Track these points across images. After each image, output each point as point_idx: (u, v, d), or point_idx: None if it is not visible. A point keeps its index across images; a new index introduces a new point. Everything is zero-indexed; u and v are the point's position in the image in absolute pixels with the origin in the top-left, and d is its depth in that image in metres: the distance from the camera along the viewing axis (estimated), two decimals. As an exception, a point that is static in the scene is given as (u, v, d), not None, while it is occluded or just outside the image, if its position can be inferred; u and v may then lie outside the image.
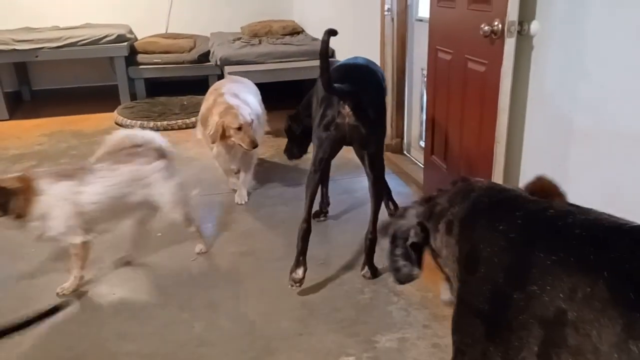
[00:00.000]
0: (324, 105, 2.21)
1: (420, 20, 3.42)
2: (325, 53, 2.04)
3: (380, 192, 2.46)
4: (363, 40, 4.16)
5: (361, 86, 2.25)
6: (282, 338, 1.98)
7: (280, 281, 2.30)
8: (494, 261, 1.07)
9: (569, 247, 0.95)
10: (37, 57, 5.08)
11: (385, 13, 3.62)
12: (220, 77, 4.92)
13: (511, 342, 0.99)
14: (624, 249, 0.89)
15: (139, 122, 4.61)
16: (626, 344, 0.80)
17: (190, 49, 5.52)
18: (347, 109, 2.16)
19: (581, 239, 0.96)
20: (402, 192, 3.25)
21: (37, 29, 5.54)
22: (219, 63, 4.88)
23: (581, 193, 1.94)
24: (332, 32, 2.04)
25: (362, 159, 2.32)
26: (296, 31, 5.81)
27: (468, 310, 1.12)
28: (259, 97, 3.57)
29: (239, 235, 2.82)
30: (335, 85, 2.12)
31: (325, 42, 2.04)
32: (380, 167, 2.35)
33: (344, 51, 4.68)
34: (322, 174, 2.32)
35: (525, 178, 2.24)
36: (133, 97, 5.35)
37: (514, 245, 1.05)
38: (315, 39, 5.37)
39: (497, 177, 2.24)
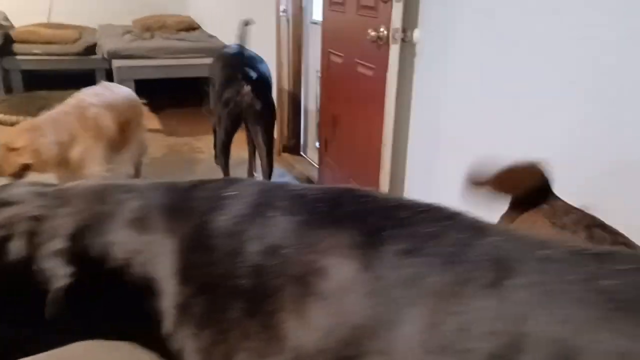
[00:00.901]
0: (224, 85, 2.63)
1: (315, 23, 3.46)
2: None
3: (271, 164, 2.86)
4: (259, 40, 4.12)
5: (258, 71, 2.76)
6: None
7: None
8: None
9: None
10: None
11: (281, 14, 3.63)
12: (109, 70, 4.65)
13: None
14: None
15: (14, 118, 4.22)
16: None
17: (76, 41, 5.16)
18: (246, 89, 2.58)
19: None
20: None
21: None
22: (106, 56, 4.60)
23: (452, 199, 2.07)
24: (248, 22, 2.80)
25: (255, 134, 2.76)
26: (192, 27, 5.65)
27: None
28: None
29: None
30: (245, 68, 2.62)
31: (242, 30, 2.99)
32: (270, 140, 2.80)
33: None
34: (227, 152, 2.76)
35: (410, 180, 2.36)
36: (8, 90, 4.90)
37: None
38: (212, 36, 5.25)
39: (384, 178, 2.33)
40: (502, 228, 0.84)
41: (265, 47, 3.87)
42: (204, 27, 5.72)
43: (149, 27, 5.41)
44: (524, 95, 1.69)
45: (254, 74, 2.67)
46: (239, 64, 2.74)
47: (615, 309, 0.57)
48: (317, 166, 3.29)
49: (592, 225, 1.09)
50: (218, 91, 2.73)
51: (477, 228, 0.71)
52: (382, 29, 2.17)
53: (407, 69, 2.23)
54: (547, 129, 1.61)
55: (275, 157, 3.06)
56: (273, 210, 0.77)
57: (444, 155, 2.09)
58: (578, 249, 0.66)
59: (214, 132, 3.20)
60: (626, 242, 1.04)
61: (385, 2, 2.13)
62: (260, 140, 2.75)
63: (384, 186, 2.35)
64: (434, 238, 0.69)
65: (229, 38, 4.93)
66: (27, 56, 4.92)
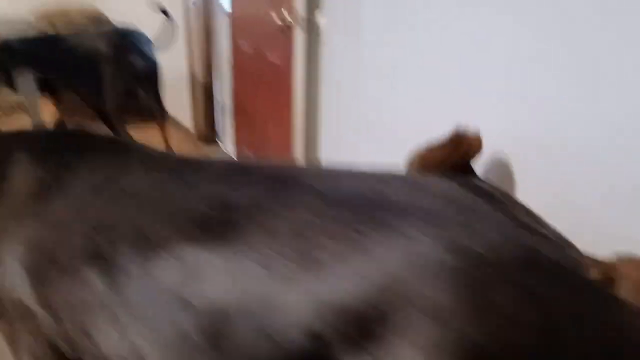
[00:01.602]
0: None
1: (226, 12, 3.39)
2: None
3: None
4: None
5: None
6: None
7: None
8: None
9: None
10: None
11: (191, 5, 3.52)
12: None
13: None
14: None
15: None
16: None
17: (-32, 35, 4.76)
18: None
19: None
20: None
21: None
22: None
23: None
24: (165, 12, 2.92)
25: None
26: (99, 19, 5.36)
27: None
28: None
29: None
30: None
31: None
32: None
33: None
34: None
35: (323, 158, 2.36)
36: None
37: None
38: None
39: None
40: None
41: (177, 39, 3.75)
42: (114, 19, 5.46)
43: (52, 20, 5.08)
44: (440, 75, 1.74)
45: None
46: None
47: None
48: (234, 156, 3.24)
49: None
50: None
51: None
52: (286, 15, 2.15)
53: (314, 55, 2.23)
54: (465, 110, 1.66)
55: (192, 147, 3.00)
56: None
57: (357, 139, 2.11)
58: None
59: None
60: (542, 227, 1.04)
61: (288, -12, 2.12)
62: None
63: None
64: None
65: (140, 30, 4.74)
66: None
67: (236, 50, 2.81)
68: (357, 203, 0.67)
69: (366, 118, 2.04)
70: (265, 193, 0.72)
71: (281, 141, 2.44)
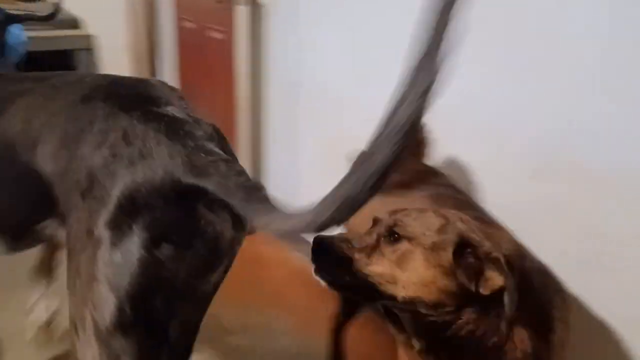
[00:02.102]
0: None
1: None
2: None
3: None
4: (110, 10, 3.88)
5: None
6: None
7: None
8: None
9: None
10: None
11: (130, -20, 3.42)
12: None
13: None
14: None
15: None
16: None
17: None
18: None
19: None
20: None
21: None
22: None
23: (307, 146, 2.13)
24: None
25: None
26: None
27: None
28: None
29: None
30: None
31: None
32: None
33: (93, 23, 4.31)
34: None
35: (269, 141, 2.39)
36: None
37: None
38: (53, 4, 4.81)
39: (244, 140, 2.34)
40: None
41: (116, 18, 3.65)
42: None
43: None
44: (392, 43, 1.78)
45: None
46: None
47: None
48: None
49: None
50: None
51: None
52: (226, -9, 2.15)
53: (258, 30, 2.24)
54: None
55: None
56: None
57: (306, 115, 2.14)
58: None
59: None
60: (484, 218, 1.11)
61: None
62: None
63: (244, 151, 2.36)
64: None
65: (78, 8, 4.58)
66: None
67: (180, 29, 2.78)
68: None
69: (310, 93, 2.08)
70: None
71: (227, 120, 2.44)
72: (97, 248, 0.83)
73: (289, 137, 2.24)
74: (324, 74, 1.98)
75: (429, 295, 0.87)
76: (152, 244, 0.83)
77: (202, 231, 0.88)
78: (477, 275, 0.87)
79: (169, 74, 3.52)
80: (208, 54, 2.47)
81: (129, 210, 0.83)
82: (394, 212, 0.96)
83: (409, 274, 0.88)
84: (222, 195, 0.81)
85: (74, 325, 0.88)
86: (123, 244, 0.82)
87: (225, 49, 2.28)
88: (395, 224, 0.92)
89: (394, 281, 0.89)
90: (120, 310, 0.82)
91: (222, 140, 0.99)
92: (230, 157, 0.89)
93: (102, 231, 0.83)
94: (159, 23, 3.51)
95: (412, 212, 0.94)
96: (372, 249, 0.93)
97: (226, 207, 0.85)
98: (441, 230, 0.90)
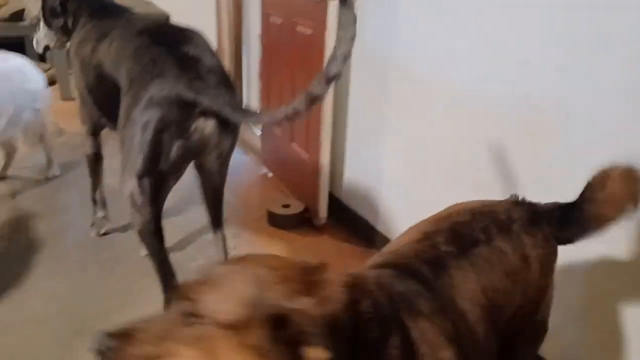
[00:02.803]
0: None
1: (255, -15, 3.36)
2: None
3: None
4: (198, 6, 3.99)
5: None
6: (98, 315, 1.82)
7: (99, 256, 2.14)
8: None
9: None
10: None
11: (220, -24, 3.50)
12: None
13: None
14: None
15: None
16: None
17: (1, 6, 4.82)
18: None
19: None
20: (241, 160, 3.22)
21: None
22: (35, 22, 4.32)
23: (392, 158, 2.07)
24: None
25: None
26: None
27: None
28: None
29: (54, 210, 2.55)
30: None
31: None
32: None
33: (180, 17, 4.45)
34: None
35: (351, 137, 2.34)
36: None
37: None
38: (147, 2, 5.02)
39: (326, 138, 2.31)
40: None
41: (205, 13, 3.74)
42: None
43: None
44: (476, 45, 1.69)
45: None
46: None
47: None
48: (260, 129, 3.24)
49: None
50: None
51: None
52: (319, -15, 2.11)
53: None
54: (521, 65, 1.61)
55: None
56: None
57: (390, 115, 2.08)
58: None
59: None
60: None
61: (322, -43, 2.08)
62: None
63: (325, 151, 2.33)
64: None
65: (166, 4, 4.75)
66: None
67: (266, 23, 2.79)
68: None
69: (398, 90, 2.01)
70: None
71: (310, 116, 2.41)
72: (132, 125, 1.41)
73: (373, 137, 2.18)
74: (414, 70, 1.90)
75: None
76: (159, 130, 1.38)
77: (192, 129, 1.42)
78: (296, 350, 0.68)
79: (254, 68, 3.56)
80: (295, 49, 2.45)
81: (149, 106, 1.37)
82: (200, 282, 0.74)
83: None
84: (214, 107, 1.37)
85: (123, 169, 1.48)
86: (146, 124, 1.38)
87: (314, 45, 2.24)
88: (192, 300, 0.71)
89: None
90: (144, 163, 1.41)
91: (225, 77, 1.51)
92: (228, 90, 1.47)
93: (136, 115, 1.41)
94: (246, 18, 3.56)
95: (216, 281, 0.73)
96: (161, 339, 0.73)
97: (215, 117, 1.42)
98: (250, 304, 0.69)
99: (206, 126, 1.45)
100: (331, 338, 0.69)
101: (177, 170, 1.51)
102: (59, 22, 2.11)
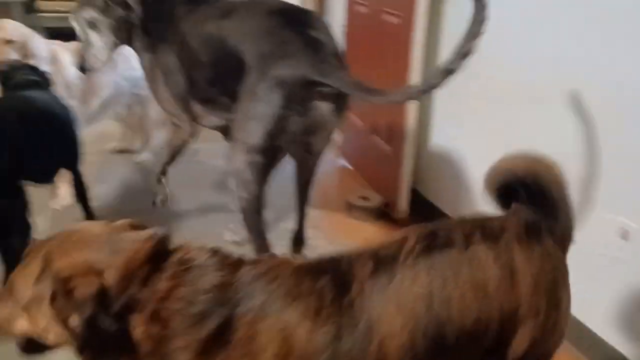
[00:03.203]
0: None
1: (340, -26, 3.33)
2: None
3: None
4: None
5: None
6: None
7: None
8: None
9: None
10: None
11: (305, -34, 3.50)
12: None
13: None
14: None
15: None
16: None
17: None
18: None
19: None
20: (319, 150, 3.23)
21: None
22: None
23: (480, 149, 1.98)
24: None
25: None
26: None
27: None
28: None
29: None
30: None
31: None
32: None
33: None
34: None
35: (437, 130, 2.27)
36: (33, 48, 4.89)
37: None
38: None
39: (411, 132, 2.25)
40: None
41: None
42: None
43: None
44: (586, 40, 1.58)
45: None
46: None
47: None
48: (340, 124, 3.22)
49: None
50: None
51: None
52: (410, -28, 2.05)
53: (436, 14, 2.12)
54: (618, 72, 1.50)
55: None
56: None
57: (478, 109, 1.99)
58: None
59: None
60: None
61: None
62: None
63: (409, 144, 2.27)
64: None
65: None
66: (51, 13, 4.89)
67: (351, 12, 2.75)
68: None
69: (487, 84, 1.91)
70: None
71: (392, 106, 2.36)
72: (256, 100, 1.48)
73: (459, 131, 2.09)
74: (502, 63, 1.79)
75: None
76: (284, 107, 1.45)
77: (312, 108, 1.50)
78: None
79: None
80: (382, 38, 2.40)
81: (276, 84, 1.44)
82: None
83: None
84: (341, 88, 1.44)
85: (233, 145, 1.56)
86: (271, 100, 1.45)
87: (401, 34, 2.18)
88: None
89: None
90: (264, 137, 1.48)
91: (344, 61, 1.59)
92: (347, 72, 1.54)
93: (261, 91, 1.46)
94: (329, 7, 3.54)
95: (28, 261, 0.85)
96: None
97: (331, 98, 1.51)
98: (38, 279, 0.81)
99: (324, 106, 1.52)
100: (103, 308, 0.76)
101: (288, 149, 1.62)
102: (131, 17, 1.95)
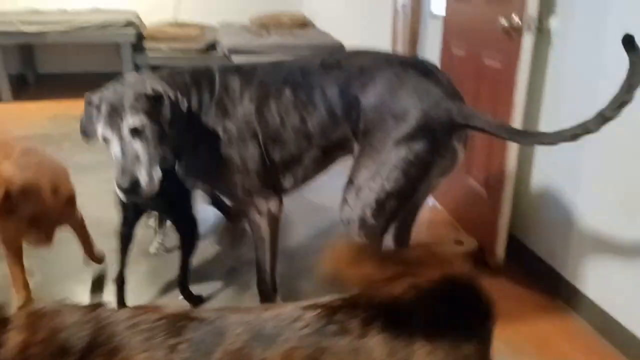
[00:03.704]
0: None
1: (434, 16, 3.36)
2: None
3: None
4: (373, 36, 4.11)
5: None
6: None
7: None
8: None
9: None
10: (43, 40, 5.03)
11: (399, 8, 3.57)
12: (228, 67, 4.86)
13: None
14: None
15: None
16: None
17: (198, 38, 5.46)
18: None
19: None
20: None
21: (44, 11, 5.49)
22: (226, 53, 4.83)
23: (592, 198, 1.90)
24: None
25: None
26: (305, 24, 5.75)
27: None
28: None
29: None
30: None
31: None
32: None
33: (352, 46, 4.64)
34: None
35: (538, 176, 2.21)
36: (138, 84, 5.29)
37: None
38: (324, 33, 5.32)
39: (510, 175, 2.20)
40: None
41: (379, 42, 3.84)
42: (316, 24, 5.81)
43: (265, 24, 5.59)
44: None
45: None
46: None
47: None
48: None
49: None
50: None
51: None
52: (514, 18, 2.04)
53: (542, 59, 2.09)
54: None
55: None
56: None
57: (590, 149, 1.92)
58: None
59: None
60: None
61: (520, -11, 2.01)
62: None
63: (508, 187, 2.22)
64: None
65: (340, 34, 4.97)
66: (155, 53, 5.29)
67: (447, 54, 2.77)
68: None
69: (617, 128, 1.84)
70: None
71: (491, 151, 2.32)
72: (399, 148, 1.49)
73: (567, 173, 2.02)
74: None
75: None
76: (431, 152, 1.49)
77: (452, 150, 1.55)
78: None
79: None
80: (480, 83, 2.39)
81: (424, 130, 1.47)
82: None
83: None
84: (488, 129, 1.52)
85: (350, 192, 1.58)
86: (418, 146, 1.48)
87: (502, 80, 2.17)
88: None
89: None
90: (404, 184, 1.52)
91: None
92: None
93: (405, 138, 1.48)
94: (422, 48, 3.57)
95: None
96: None
97: (464, 139, 1.59)
98: None
99: (459, 147, 1.58)
100: None
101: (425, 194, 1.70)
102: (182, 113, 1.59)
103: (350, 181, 1.60)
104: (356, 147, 1.64)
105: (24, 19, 4.97)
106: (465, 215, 2.63)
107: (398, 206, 1.57)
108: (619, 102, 1.28)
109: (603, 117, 1.31)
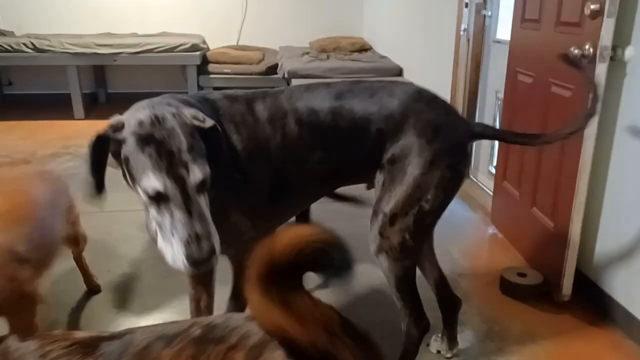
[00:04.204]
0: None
1: (498, 42, 3.32)
2: None
3: None
4: (434, 60, 4.10)
5: None
6: None
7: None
8: None
9: None
10: (115, 61, 5.32)
11: (461, 33, 3.55)
12: (287, 89, 4.97)
13: None
14: None
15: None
16: None
17: (259, 61, 5.62)
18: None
19: None
20: (468, 217, 3.14)
21: (117, 34, 5.82)
22: (286, 76, 4.93)
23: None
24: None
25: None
26: (364, 48, 5.81)
27: None
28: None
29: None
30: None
31: None
32: None
33: (413, 71, 4.63)
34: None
35: (607, 209, 2.11)
36: (201, 104, 5.49)
37: None
38: (383, 57, 5.35)
39: (579, 207, 2.12)
40: None
41: (440, 67, 3.82)
42: (375, 48, 5.85)
43: (325, 48, 5.69)
44: None
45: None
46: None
47: None
48: (490, 192, 3.13)
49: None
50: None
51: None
52: (587, 47, 1.98)
53: (615, 90, 2.02)
54: None
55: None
56: None
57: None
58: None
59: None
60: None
61: (594, 19, 1.95)
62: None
63: (577, 220, 2.13)
64: None
65: (400, 60, 4.98)
66: (218, 75, 5.48)
67: (512, 80, 2.72)
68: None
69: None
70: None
71: (558, 183, 2.25)
72: (433, 169, 1.51)
73: (638, 219, 1.93)
74: None
75: None
76: (463, 164, 1.57)
77: (467, 164, 1.66)
78: None
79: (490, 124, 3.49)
80: (548, 110, 2.33)
81: (453, 146, 1.54)
82: None
83: None
84: (502, 137, 1.86)
85: (384, 215, 1.55)
86: (449, 164, 1.53)
87: (571, 108, 2.10)
88: None
89: None
90: (438, 202, 1.54)
91: None
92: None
93: (436, 158, 1.51)
94: (484, 71, 3.53)
95: None
96: None
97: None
98: None
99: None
100: None
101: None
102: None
103: (382, 211, 1.54)
104: (380, 176, 1.57)
105: (99, 42, 5.28)
106: (530, 247, 2.54)
107: (435, 220, 1.62)
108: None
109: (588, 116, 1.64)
